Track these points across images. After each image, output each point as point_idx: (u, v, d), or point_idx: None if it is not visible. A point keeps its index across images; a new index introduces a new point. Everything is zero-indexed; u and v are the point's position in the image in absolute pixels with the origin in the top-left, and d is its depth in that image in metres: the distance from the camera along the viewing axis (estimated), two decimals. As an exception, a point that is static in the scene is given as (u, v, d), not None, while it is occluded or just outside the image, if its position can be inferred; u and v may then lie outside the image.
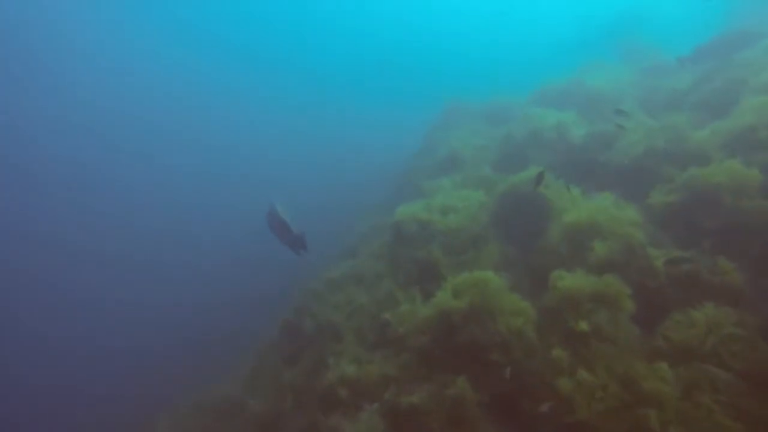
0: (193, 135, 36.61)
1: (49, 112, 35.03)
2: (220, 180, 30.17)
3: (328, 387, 4.93)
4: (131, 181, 31.67)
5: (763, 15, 11.51)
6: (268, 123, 37.92)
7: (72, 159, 33.05)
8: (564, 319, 4.24)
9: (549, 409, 3.77)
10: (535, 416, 3.94)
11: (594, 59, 14.71)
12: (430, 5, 44.66)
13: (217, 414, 7.14)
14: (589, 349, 3.97)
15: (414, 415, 4.19)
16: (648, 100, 10.13)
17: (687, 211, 5.47)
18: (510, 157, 9.22)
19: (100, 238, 25.18)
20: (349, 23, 47.00)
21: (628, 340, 4.05)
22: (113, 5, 36.59)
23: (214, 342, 12.16)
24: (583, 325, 4.08)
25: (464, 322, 4.60)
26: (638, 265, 4.76)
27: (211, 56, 44.38)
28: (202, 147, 35.36)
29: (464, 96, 15.46)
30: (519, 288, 5.31)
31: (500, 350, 4.36)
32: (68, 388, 13.66)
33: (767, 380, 3.29)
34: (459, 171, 9.79)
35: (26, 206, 28.53)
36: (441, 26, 43.99)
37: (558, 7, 36.36)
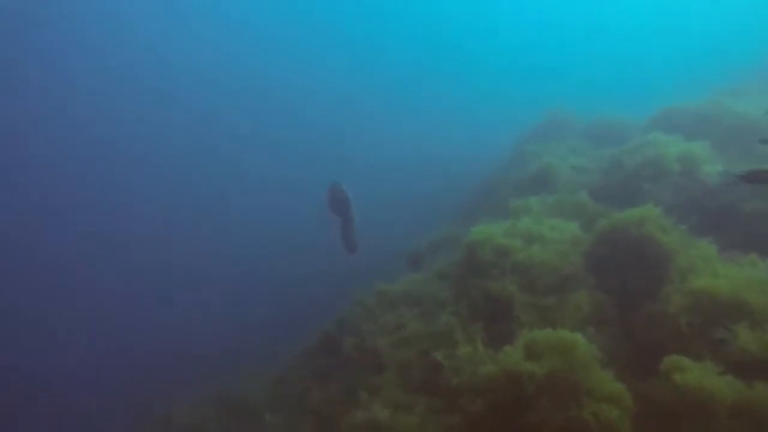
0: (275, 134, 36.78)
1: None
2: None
3: (353, 429, 4.28)
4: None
5: None
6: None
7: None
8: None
9: None
10: None
11: (734, 82, 12.58)
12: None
13: (235, 415, 6.85)
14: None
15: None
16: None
17: None
18: (616, 187, 7.90)
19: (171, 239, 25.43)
20: (455, 22, 45.77)
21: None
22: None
23: (251, 341, 12.16)
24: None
25: (537, 396, 3.69)
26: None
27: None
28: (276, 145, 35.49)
29: (566, 107, 13.97)
30: (613, 360, 4.26)
31: (581, 446, 3.40)
32: (99, 379, 14.01)
33: None
34: (551, 192, 8.64)
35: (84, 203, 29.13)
36: (552, 29, 41.39)
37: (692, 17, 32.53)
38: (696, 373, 3.39)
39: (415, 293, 7.28)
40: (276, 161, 31.40)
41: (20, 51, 32.23)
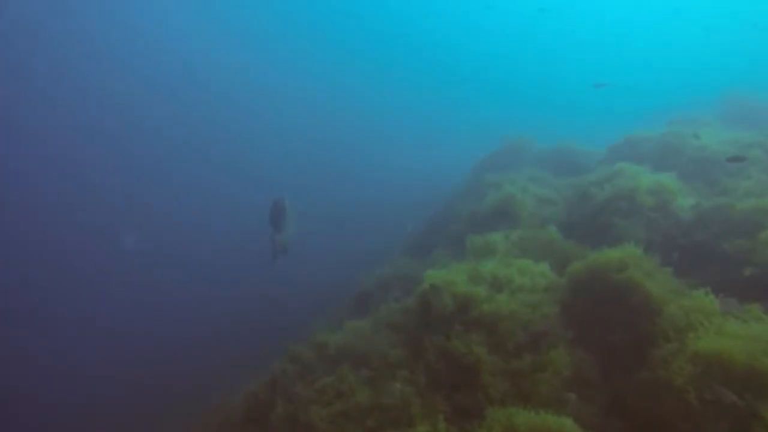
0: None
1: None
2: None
3: None
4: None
5: None
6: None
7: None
8: None
9: None
10: None
11: (688, 111, 12.95)
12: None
13: None
14: None
15: None
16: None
17: None
18: (584, 221, 7.43)
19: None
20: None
21: None
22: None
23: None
24: None
25: None
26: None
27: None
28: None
29: (525, 133, 13.83)
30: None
31: None
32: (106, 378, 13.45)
33: None
34: (513, 225, 8.06)
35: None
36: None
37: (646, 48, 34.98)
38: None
39: (360, 348, 6.27)
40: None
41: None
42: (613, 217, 6.85)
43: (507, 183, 9.88)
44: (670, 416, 3.58)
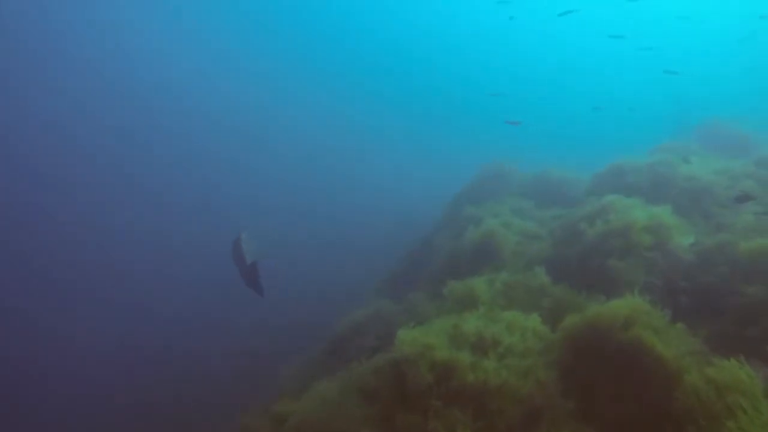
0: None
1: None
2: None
3: None
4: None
5: None
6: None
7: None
8: None
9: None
10: None
11: (669, 139, 12.88)
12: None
13: None
14: None
15: None
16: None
17: None
18: (575, 261, 6.85)
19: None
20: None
21: None
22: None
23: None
24: None
25: None
26: None
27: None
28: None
29: (505, 160, 13.41)
30: None
31: None
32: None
33: None
34: (496, 267, 7.43)
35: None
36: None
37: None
38: None
39: (323, 421, 5.42)
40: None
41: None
42: (606, 257, 6.27)
43: (488, 216, 9.32)
44: None
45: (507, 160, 13.37)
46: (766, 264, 5.51)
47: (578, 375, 4.56)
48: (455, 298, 6.12)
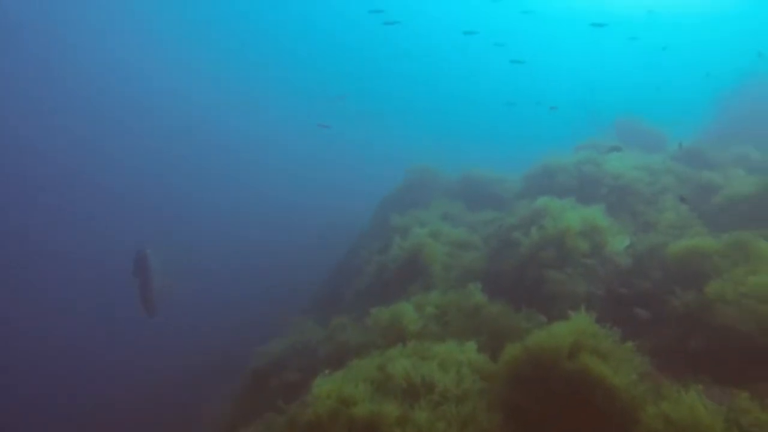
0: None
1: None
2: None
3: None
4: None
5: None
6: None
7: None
8: None
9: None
10: None
11: (589, 136, 13.21)
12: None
13: None
14: None
15: None
16: (700, 199, 8.03)
17: None
18: (511, 275, 6.44)
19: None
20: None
21: None
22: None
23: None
24: None
25: None
26: None
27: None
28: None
29: (432, 161, 13.06)
30: None
31: None
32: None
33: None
34: (425, 284, 6.88)
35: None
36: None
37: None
38: None
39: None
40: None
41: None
42: (544, 268, 5.90)
43: (416, 225, 8.79)
44: None
45: (432, 161, 13.04)
46: (694, 266, 5.43)
47: (525, 414, 4.05)
48: (381, 329, 5.44)
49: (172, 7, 35.73)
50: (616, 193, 8.19)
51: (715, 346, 4.58)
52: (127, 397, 13.13)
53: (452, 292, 5.93)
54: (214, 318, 15.65)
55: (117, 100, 39.15)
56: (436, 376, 4.23)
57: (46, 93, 35.67)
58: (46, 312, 19.16)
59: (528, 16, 29.26)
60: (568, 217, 6.26)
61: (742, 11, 28.50)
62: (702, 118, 16.39)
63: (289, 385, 7.58)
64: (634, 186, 8.39)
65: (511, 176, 10.90)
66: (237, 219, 25.61)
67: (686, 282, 5.35)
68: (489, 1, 27.74)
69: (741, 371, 4.28)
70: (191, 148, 36.41)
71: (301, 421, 4.17)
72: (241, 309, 15.99)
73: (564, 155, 9.73)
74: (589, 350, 3.99)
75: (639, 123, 14.63)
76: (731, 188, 8.06)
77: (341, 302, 10.65)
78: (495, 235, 7.17)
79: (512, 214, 7.41)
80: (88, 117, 37.53)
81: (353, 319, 7.93)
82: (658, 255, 6.02)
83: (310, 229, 20.18)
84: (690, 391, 3.45)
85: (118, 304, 15.50)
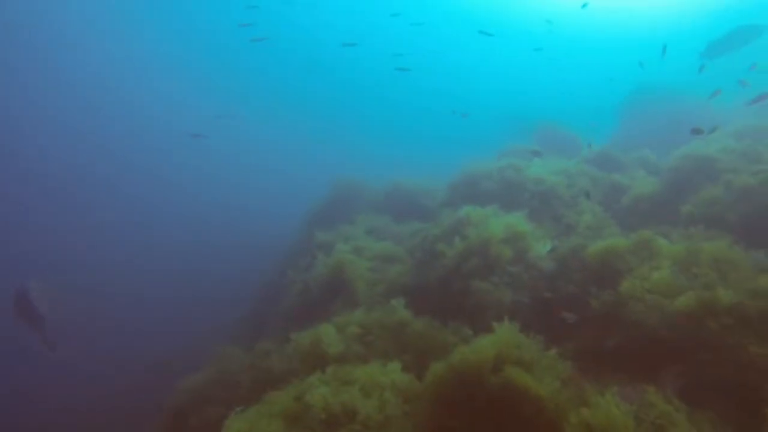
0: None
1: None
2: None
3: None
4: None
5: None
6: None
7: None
8: None
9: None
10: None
11: (511, 142, 13.64)
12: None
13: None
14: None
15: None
16: (611, 199, 8.42)
17: None
18: (436, 287, 6.32)
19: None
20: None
21: None
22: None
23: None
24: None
25: None
26: None
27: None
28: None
29: (356, 173, 12.89)
30: None
31: None
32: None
33: None
34: (351, 302, 6.61)
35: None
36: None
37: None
38: None
39: None
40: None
41: None
42: (469, 278, 5.82)
43: (340, 240, 8.52)
44: None
45: (357, 173, 12.89)
46: (611, 266, 5.57)
47: (451, 434, 3.86)
48: (301, 355, 5.08)
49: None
50: (538, 197, 8.39)
51: (628, 343, 4.68)
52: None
53: (377, 310, 5.70)
54: (127, 351, 14.33)
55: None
56: (357, 402, 3.95)
57: None
58: None
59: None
60: (492, 225, 6.26)
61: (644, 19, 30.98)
62: (612, 123, 17.58)
63: (210, 423, 7.00)
64: (555, 190, 8.64)
65: (438, 185, 10.94)
66: (156, 230, 23.96)
67: (605, 282, 5.47)
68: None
69: (650, 364, 4.39)
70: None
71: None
72: (159, 337, 14.79)
73: (487, 162, 9.89)
74: (513, 362, 3.90)
75: (557, 128, 15.39)
76: (636, 189, 8.57)
77: (267, 325, 10.14)
78: (419, 247, 7.04)
79: (436, 224, 7.33)
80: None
81: (279, 343, 7.50)
82: (579, 257, 6.15)
83: (237, 247, 19.26)
84: (606, 395, 3.45)
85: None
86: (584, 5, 10.49)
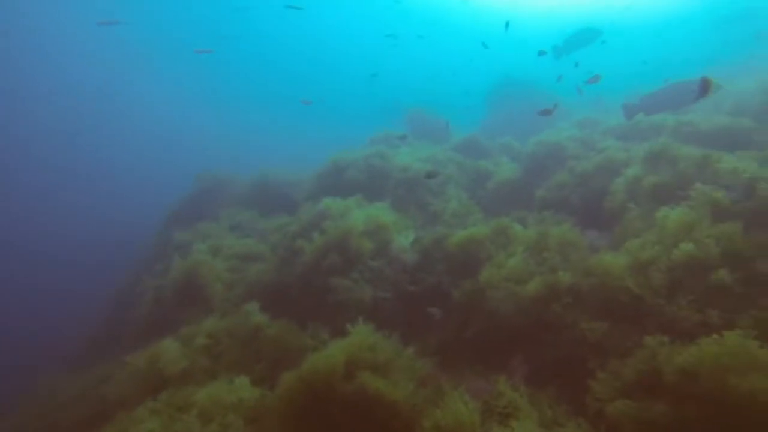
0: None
1: None
2: None
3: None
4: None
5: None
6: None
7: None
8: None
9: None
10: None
11: (380, 129, 13.66)
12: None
13: None
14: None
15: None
16: (477, 185, 8.77)
17: None
18: (299, 285, 6.00)
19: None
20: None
21: None
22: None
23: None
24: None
25: None
26: None
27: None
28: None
29: (220, 169, 12.01)
30: None
31: None
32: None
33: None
34: (206, 308, 6.05)
35: None
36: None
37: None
38: None
39: None
40: None
41: None
42: (329, 275, 5.60)
43: (199, 240, 7.79)
44: None
45: (224, 167, 12.03)
46: (473, 255, 5.71)
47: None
48: (137, 379, 4.45)
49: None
50: (404, 185, 8.44)
51: (486, 332, 4.81)
52: None
53: (230, 316, 5.23)
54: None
55: None
56: (194, 430, 3.51)
57: None
58: None
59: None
60: (352, 217, 6.09)
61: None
62: (483, 112, 18.59)
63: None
64: (421, 178, 8.76)
65: (307, 177, 10.58)
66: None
67: (467, 271, 5.60)
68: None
69: (505, 351, 4.57)
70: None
71: None
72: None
73: (354, 150, 9.74)
74: (367, 366, 3.75)
75: (425, 113, 15.77)
76: (499, 175, 9.05)
77: (119, 341, 9.05)
78: (281, 244, 6.66)
79: (297, 219, 7.00)
80: None
81: (123, 364, 6.63)
82: (442, 247, 6.23)
83: (84, 250, 17.07)
84: (455, 394, 3.44)
85: None
86: (507, 25, 10.82)
